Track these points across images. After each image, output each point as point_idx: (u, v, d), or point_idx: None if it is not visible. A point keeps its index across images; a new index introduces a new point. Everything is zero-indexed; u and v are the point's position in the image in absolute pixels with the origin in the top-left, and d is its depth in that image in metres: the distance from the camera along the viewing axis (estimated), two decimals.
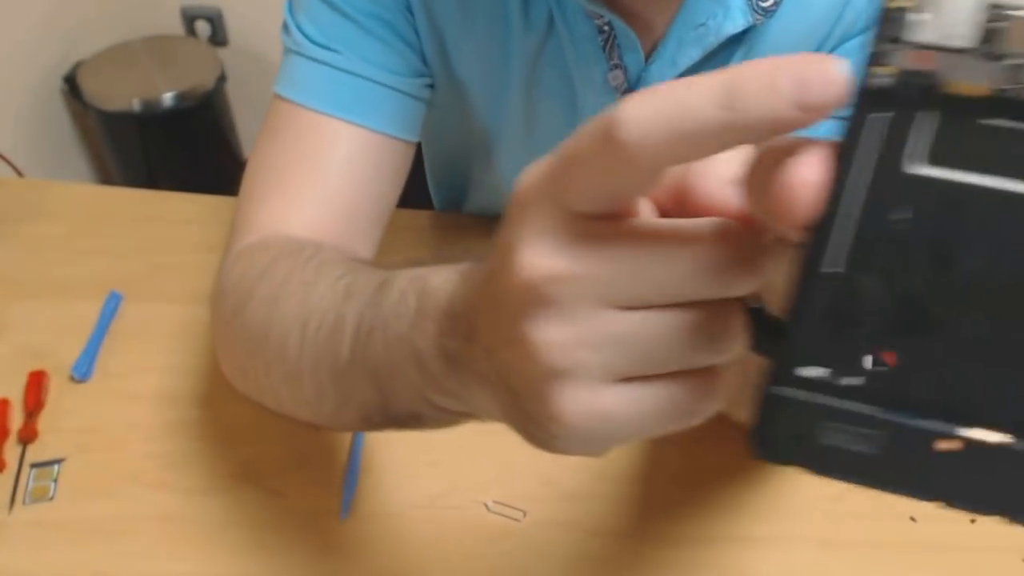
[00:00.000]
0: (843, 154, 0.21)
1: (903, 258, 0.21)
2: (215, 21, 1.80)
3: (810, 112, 0.20)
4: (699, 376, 0.26)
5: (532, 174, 0.26)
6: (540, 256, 0.25)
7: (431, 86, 0.68)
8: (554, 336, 0.25)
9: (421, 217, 0.86)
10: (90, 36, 1.71)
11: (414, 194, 0.74)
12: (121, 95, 1.63)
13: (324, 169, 0.61)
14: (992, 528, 0.62)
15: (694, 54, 0.57)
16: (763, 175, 0.23)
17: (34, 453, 0.67)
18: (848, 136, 0.21)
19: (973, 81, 0.20)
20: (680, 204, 0.27)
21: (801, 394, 0.22)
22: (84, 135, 1.79)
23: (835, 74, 0.20)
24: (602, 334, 0.25)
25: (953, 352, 0.21)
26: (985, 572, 0.60)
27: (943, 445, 0.21)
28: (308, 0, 0.63)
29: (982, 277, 0.21)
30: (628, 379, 0.26)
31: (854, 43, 0.58)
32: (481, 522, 0.62)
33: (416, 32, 0.64)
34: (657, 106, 0.22)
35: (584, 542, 0.62)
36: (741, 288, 0.25)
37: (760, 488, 0.64)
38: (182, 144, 1.72)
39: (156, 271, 0.80)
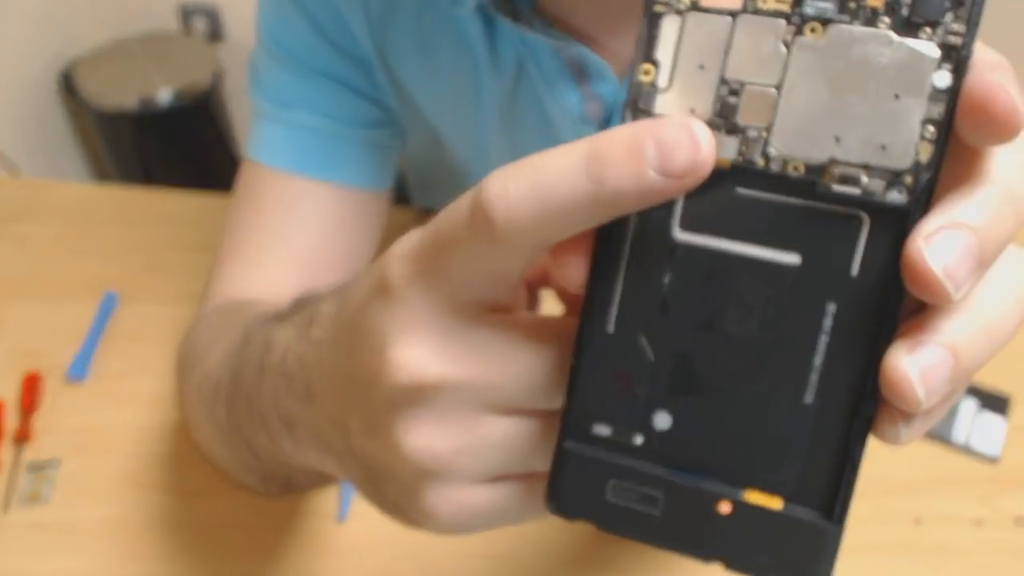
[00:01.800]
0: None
1: (665, 320, 0.22)
2: (212, 17, 1.79)
3: (675, 178, 0.20)
4: None
5: (402, 256, 0.24)
6: (417, 358, 0.23)
7: (401, 134, 0.68)
8: (429, 443, 0.24)
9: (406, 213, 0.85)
10: (86, 33, 1.70)
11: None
12: (117, 93, 1.62)
13: (288, 228, 0.61)
14: (997, 531, 0.62)
15: None
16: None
17: (29, 455, 0.67)
18: None
19: (717, 152, 0.21)
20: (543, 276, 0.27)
21: (590, 450, 0.23)
22: (80, 133, 1.78)
23: (699, 134, 0.20)
24: (480, 440, 0.24)
25: (725, 414, 0.22)
26: (990, 575, 0.60)
27: (721, 507, 0.22)
28: (265, 60, 0.63)
29: (740, 340, 0.22)
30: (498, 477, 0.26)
31: None
32: None
33: (377, 85, 0.64)
34: (522, 182, 0.21)
35: (584, 542, 0.61)
36: None
37: None
38: (179, 142, 1.71)
39: (152, 271, 0.80)
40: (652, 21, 0.22)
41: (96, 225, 0.86)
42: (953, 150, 0.20)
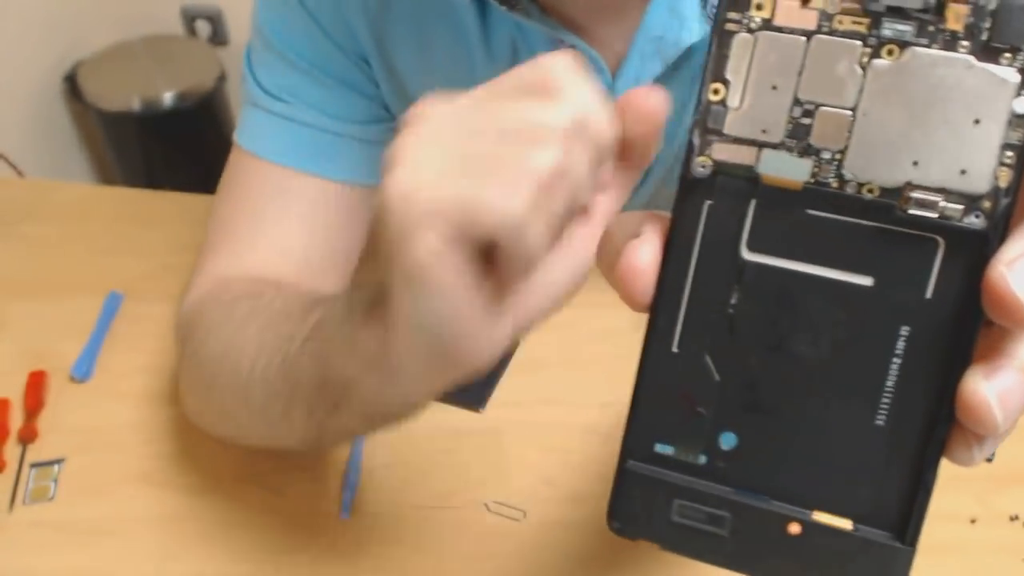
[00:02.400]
0: (670, 240, 0.22)
1: (732, 340, 0.22)
2: (215, 21, 1.80)
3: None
4: None
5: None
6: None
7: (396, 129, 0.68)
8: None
9: None
10: (90, 36, 1.71)
11: None
12: (121, 95, 1.63)
13: (282, 216, 0.62)
14: (992, 529, 0.62)
15: (655, 68, 0.57)
16: (611, 254, 0.23)
17: (34, 453, 0.67)
18: (673, 223, 0.22)
19: (787, 174, 0.21)
20: None
21: (653, 470, 0.23)
22: (84, 134, 1.79)
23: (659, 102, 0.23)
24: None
25: (793, 435, 0.22)
26: (985, 573, 0.60)
27: (791, 528, 0.21)
28: (262, 52, 0.63)
29: (810, 361, 0.21)
30: None
31: None
32: (481, 522, 0.62)
33: (374, 82, 0.64)
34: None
35: (584, 542, 0.62)
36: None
37: None
38: (182, 143, 1.72)
39: (156, 271, 0.80)
40: (723, 39, 0.21)
41: (100, 225, 0.86)
42: None
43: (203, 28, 1.81)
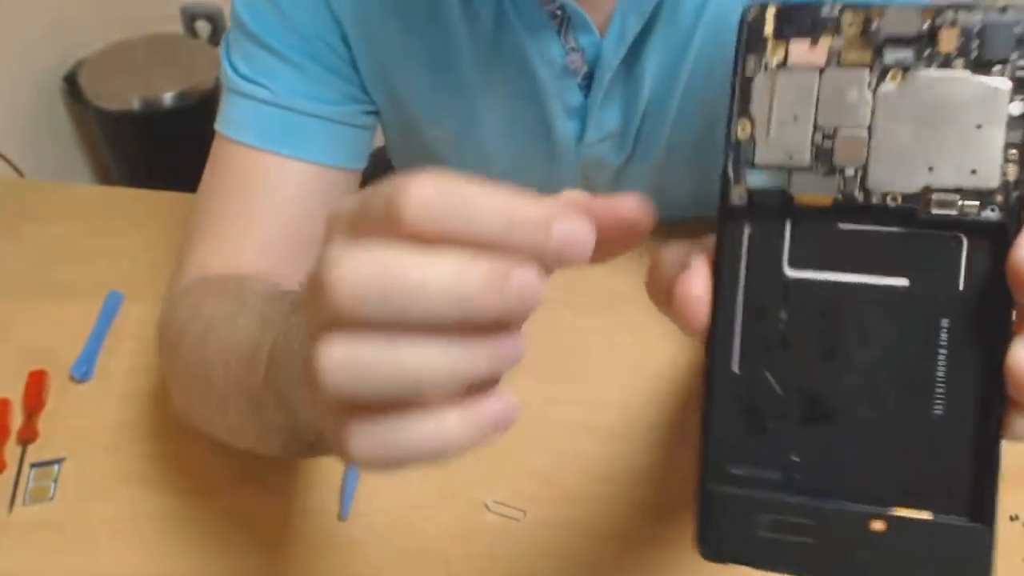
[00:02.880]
0: (717, 267, 0.24)
1: (787, 354, 0.23)
2: (215, 20, 1.80)
3: (560, 263, 0.24)
4: None
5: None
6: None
7: (375, 112, 0.68)
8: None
9: None
10: (90, 35, 1.71)
11: None
12: (121, 94, 1.63)
13: (258, 205, 0.62)
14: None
15: (635, 23, 0.58)
16: (660, 284, 0.25)
17: (34, 453, 0.67)
18: (719, 250, 0.24)
19: (816, 191, 0.23)
20: None
21: (732, 490, 0.24)
22: (84, 135, 1.79)
23: (585, 240, 0.23)
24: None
25: (858, 437, 0.23)
26: None
27: (874, 526, 0.22)
28: (238, 37, 0.64)
29: (863, 364, 0.23)
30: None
31: None
32: (481, 522, 0.62)
33: (352, 64, 0.64)
34: (442, 197, 0.24)
35: (584, 542, 0.62)
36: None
37: None
38: (182, 143, 1.71)
39: (156, 271, 0.80)
40: (745, 82, 0.24)
41: (100, 225, 0.87)
42: None
43: (203, 28, 1.81)
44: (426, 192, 0.24)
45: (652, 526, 0.62)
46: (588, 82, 0.62)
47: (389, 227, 0.24)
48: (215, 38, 1.82)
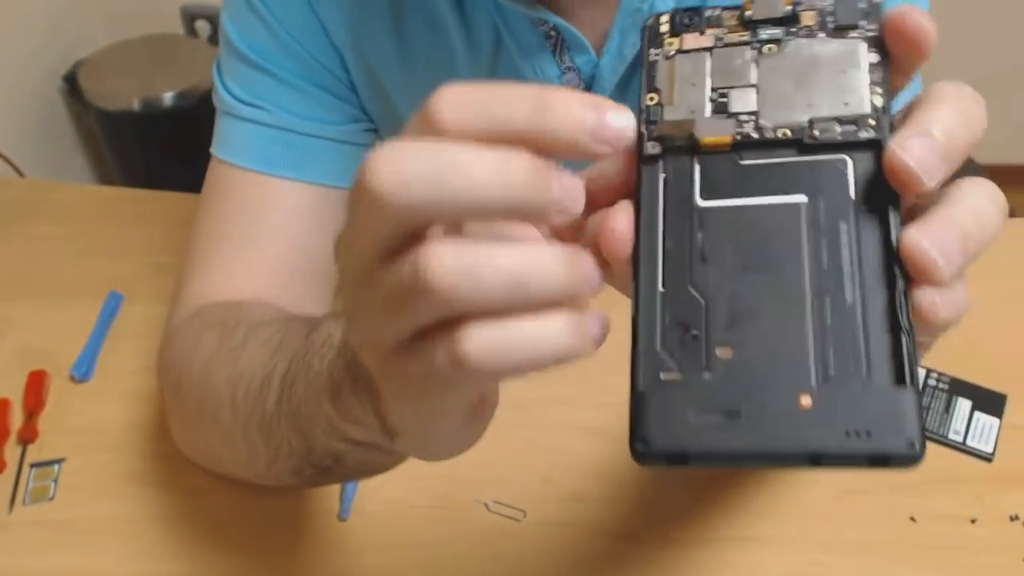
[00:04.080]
0: (638, 205, 0.27)
1: (707, 269, 0.26)
2: (215, 20, 1.80)
3: (598, 144, 0.25)
4: None
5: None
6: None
7: (374, 129, 0.67)
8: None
9: None
10: (90, 35, 1.71)
11: None
12: (121, 94, 1.63)
13: (262, 229, 0.61)
14: (992, 529, 0.62)
15: (636, 41, 0.57)
16: (593, 225, 0.28)
17: (34, 453, 0.67)
18: (638, 191, 0.28)
19: (718, 133, 0.27)
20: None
21: (665, 392, 0.25)
22: (84, 135, 1.79)
23: (626, 121, 0.25)
24: None
25: (780, 333, 0.25)
26: (985, 573, 0.60)
27: (802, 400, 0.24)
28: (231, 60, 0.63)
29: (778, 269, 0.26)
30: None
31: None
32: (481, 522, 0.62)
33: (347, 84, 0.64)
34: (475, 92, 0.25)
35: (584, 542, 0.62)
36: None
37: (760, 489, 0.64)
38: (182, 144, 1.72)
39: (156, 271, 0.80)
40: (650, 67, 0.29)
41: (100, 225, 0.87)
42: (908, 109, 0.27)
43: (203, 28, 1.81)
44: (459, 89, 0.25)
45: (652, 526, 0.62)
46: None
47: (427, 129, 0.25)
48: (215, 38, 1.82)
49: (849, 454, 0.23)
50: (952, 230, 0.25)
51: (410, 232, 0.25)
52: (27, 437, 0.68)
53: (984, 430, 0.68)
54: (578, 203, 0.25)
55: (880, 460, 0.23)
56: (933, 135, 0.25)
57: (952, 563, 0.60)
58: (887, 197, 0.26)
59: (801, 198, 0.26)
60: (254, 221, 0.61)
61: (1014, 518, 0.62)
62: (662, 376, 0.25)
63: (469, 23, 0.59)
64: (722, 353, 0.25)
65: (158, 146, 1.72)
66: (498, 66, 0.61)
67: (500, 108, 0.25)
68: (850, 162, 0.26)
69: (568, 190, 0.25)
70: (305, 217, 0.62)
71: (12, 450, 0.67)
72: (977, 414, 0.68)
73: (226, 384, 0.49)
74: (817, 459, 0.23)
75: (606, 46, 0.58)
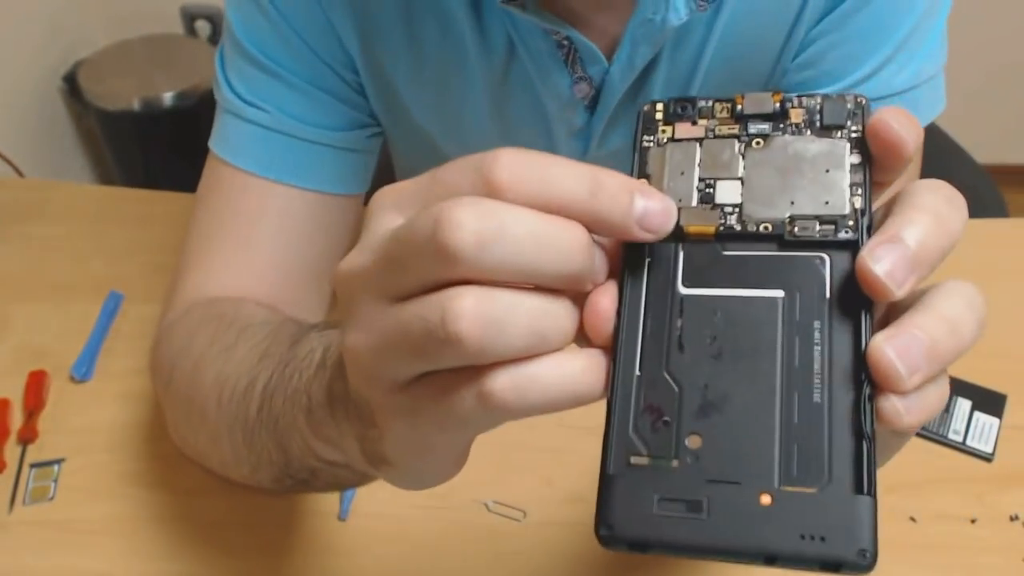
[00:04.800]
0: (622, 287, 0.28)
1: (683, 357, 0.27)
2: (215, 20, 1.80)
3: (642, 231, 0.27)
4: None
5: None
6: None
7: (379, 133, 0.67)
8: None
9: None
10: (90, 35, 1.71)
11: None
12: (121, 94, 1.63)
13: (259, 231, 0.61)
14: (992, 529, 0.62)
15: (647, 52, 0.57)
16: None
17: (34, 453, 0.67)
18: (623, 273, 0.28)
19: (702, 223, 0.29)
20: None
21: (632, 477, 0.26)
22: (84, 135, 1.79)
23: (670, 210, 0.27)
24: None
25: (749, 426, 0.26)
26: (985, 573, 0.60)
27: (763, 499, 0.24)
28: (235, 56, 0.61)
29: (750, 362, 0.26)
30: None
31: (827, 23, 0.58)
32: (481, 522, 0.63)
33: (355, 88, 0.63)
34: (533, 159, 0.26)
35: (584, 542, 0.62)
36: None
37: None
38: (182, 143, 1.72)
39: (157, 271, 0.80)
40: (642, 153, 0.31)
41: (100, 225, 0.87)
42: (890, 204, 0.28)
43: (203, 28, 1.81)
44: (517, 155, 0.26)
45: None
46: (594, 104, 0.61)
47: (483, 188, 0.25)
48: (215, 38, 1.82)
49: (802, 557, 0.24)
50: (920, 340, 0.25)
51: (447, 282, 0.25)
52: (27, 437, 0.68)
53: (984, 430, 0.68)
54: (605, 273, 0.28)
55: (832, 566, 0.24)
56: (905, 243, 0.26)
57: (952, 563, 0.60)
58: (861, 299, 0.26)
59: (779, 293, 0.27)
60: (252, 224, 0.61)
61: (1014, 518, 0.62)
62: (632, 460, 0.26)
63: (484, 29, 0.59)
64: (691, 443, 0.26)
65: (158, 146, 1.72)
66: (510, 73, 0.61)
67: (556, 181, 0.26)
68: (828, 260, 0.27)
69: (601, 262, 0.28)
70: (304, 223, 0.62)
71: (12, 450, 0.67)
72: (977, 414, 0.68)
73: (214, 383, 0.49)
74: (772, 559, 0.24)
75: (616, 54, 0.58)
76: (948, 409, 0.69)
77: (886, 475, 0.64)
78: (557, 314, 0.26)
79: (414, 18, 0.59)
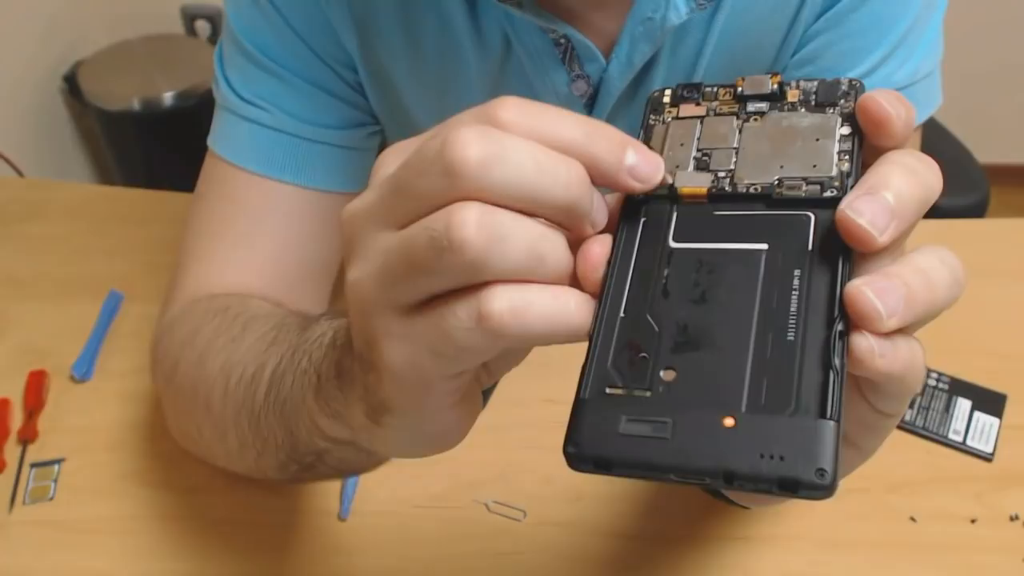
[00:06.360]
0: (616, 238, 0.30)
1: (666, 301, 0.28)
2: (215, 20, 1.80)
3: (630, 180, 0.28)
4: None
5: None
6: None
7: (378, 132, 0.67)
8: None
9: None
10: (90, 35, 1.71)
11: None
12: (121, 94, 1.63)
13: (258, 229, 0.61)
14: (992, 529, 0.62)
15: (646, 50, 0.57)
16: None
17: (34, 453, 0.67)
18: (619, 227, 0.30)
19: (695, 184, 0.30)
20: None
21: (604, 403, 0.27)
22: (84, 134, 1.79)
23: (658, 165, 0.29)
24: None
25: (723, 362, 0.27)
26: (985, 573, 0.60)
27: (726, 422, 0.25)
28: (234, 54, 0.62)
29: (730, 305, 0.28)
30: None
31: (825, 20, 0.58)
32: (481, 522, 0.63)
33: (354, 87, 0.63)
34: (533, 104, 0.28)
35: (584, 542, 0.62)
36: None
37: None
38: (182, 144, 1.72)
39: (156, 271, 0.80)
40: (647, 130, 0.33)
41: (100, 225, 0.87)
42: (867, 161, 0.29)
43: (203, 28, 1.81)
44: (520, 101, 0.27)
45: (652, 526, 0.62)
46: (592, 102, 0.61)
47: (488, 123, 0.27)
48: (215, 38, 1.82)
49: (760, 476, 0.24)
50: (897, 286, 0.26)
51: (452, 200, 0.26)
52: (27, 437, 0.68)
53: (984, 430, 0.68)
54: (604, 219, 0.29)
55: (790, 485, 0.24)
56: (881, 194, 0.27)
57: (952, 563, 0.60)
58: (841, 252, 0.27)
59: (763, 246, 0.28)
60: (252, 221, 0.61)
61: (1014, 518, 0.62)
62: (607, 391, 0.27)
63: (480, 27, 0.59)
64: (665, 376, 0.27)
65: (158, 146, 1.72)
66: (507, 71, 0.61)
67: (556, 123, 0.27)
68: (812, 218, 0.29)
69: (600, 205, 0.29)
70: (303, 220, 0.62)
71: (12, 450, 0.67)
72: (977, 414, 0.69)
73: (220, 372, 0.49)
74: (730, 478, 0.24)
75: (615, 52, 0.58)
76: (948, 409, 0.69)
77: (887, 474, 0.65)
78: (556, 242, 0.28)
79: (412, 16, 0.60)
